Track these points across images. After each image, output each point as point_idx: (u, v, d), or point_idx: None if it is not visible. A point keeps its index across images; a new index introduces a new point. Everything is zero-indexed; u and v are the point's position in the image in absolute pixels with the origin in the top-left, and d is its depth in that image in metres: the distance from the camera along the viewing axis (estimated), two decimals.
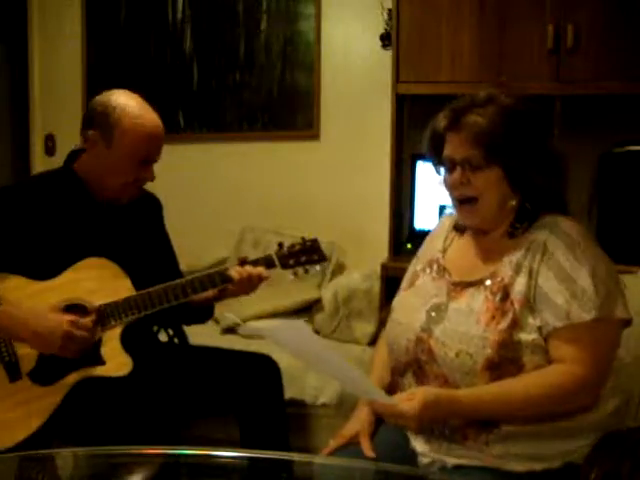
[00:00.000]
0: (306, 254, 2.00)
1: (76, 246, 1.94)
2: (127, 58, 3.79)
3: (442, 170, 1.59)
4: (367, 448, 1.54)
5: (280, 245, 2.03)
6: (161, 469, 1.52)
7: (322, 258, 2.02)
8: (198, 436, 2.39)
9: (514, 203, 1.52)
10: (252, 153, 3.64)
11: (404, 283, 1.72)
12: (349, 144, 3.48)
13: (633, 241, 2.62)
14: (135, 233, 2.08)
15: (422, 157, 3.03)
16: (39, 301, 1.88)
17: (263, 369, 2.14)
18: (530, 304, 1.44)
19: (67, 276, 1.92)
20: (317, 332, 3.12)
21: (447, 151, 1.54)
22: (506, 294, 1.45)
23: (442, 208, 2.82)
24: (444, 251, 1.65)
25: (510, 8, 2.73)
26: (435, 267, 1.62)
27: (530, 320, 1.43)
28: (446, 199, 1.61)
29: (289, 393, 2.41)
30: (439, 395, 1.41)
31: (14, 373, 1.89)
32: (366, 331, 3.00)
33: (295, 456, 1.68)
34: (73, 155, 2.03)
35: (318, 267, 2.04)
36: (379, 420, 1.60)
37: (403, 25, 2.84)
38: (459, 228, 1.66)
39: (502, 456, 1.44)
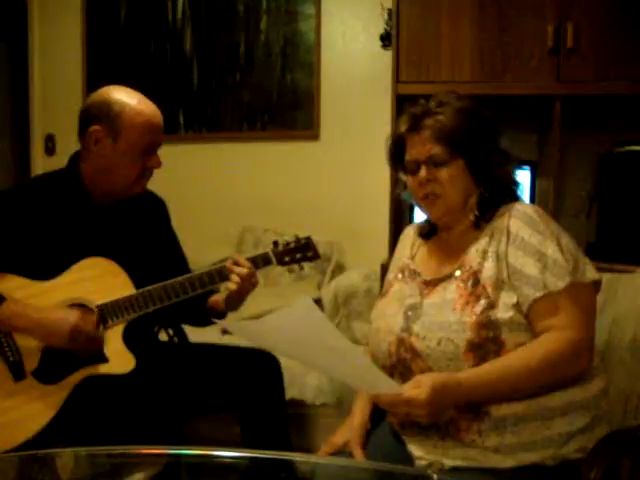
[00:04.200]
0: (300, 251, 2.06)
1: (76, 247, 1.95)
2: (127, 58, 3.79)
3: (403, 176, 1.64)
4: (359, 457, 1.54)
5: (275, 243, 2.06)
6: (162, 469, 1.52)
7: (315, 255, 2.09)
8: (199, 435, 2.39)
9: (476, 197, 1.58)
10: (252, 153, 3.65)
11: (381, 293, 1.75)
12: (349, 144, 3.48)
13: (633, 241, 2.62)
14: (137, 233, 2.08)
15: None
16: (41, 301, 1.89)
17: (264, 366, 2.14)
18: (503, 284, 1.48)
19: (67, 276, 1.93)
20: None
21: (410, 154, 1.60)
22: (476, 280, 1.50)
23: None
24: (413, 257, 1.70)
25: (510, 8, 2.73)
26: (407, 272, 1.66)
27: (506, 299, 1.46)
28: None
29: (289, 393, 2.40)
30: (446, 379, 1.40)
31: (19, 372, 1.89)
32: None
33: (295, 456, 1.68)
34: (76, 157, 2.02)
35: (312, 264, 2.06)
36: (373, 426, 1.60)
37: (403, 25, 2.83)
38: (423, 234, 1.71)
39: (496, 448, 1.43)
